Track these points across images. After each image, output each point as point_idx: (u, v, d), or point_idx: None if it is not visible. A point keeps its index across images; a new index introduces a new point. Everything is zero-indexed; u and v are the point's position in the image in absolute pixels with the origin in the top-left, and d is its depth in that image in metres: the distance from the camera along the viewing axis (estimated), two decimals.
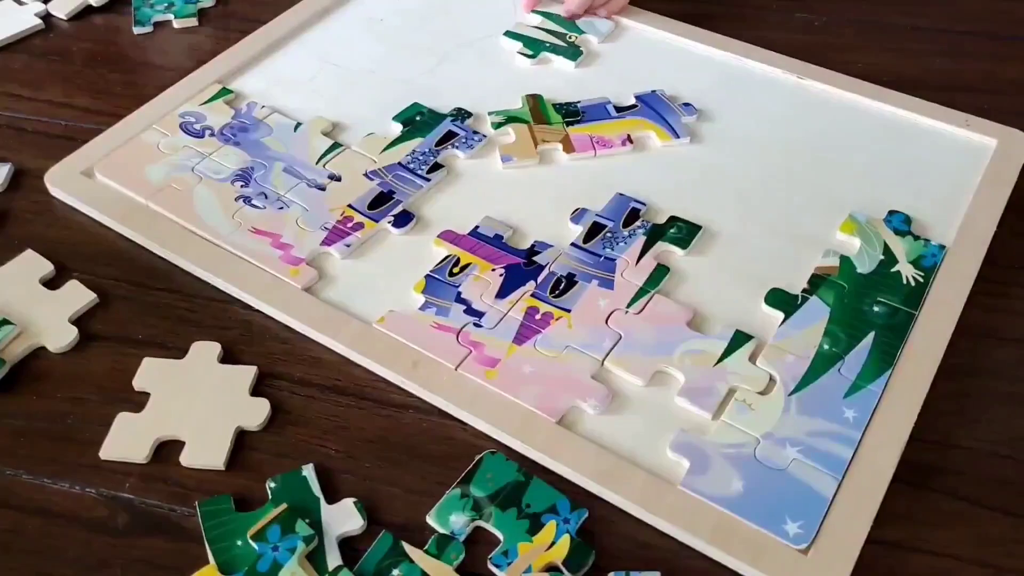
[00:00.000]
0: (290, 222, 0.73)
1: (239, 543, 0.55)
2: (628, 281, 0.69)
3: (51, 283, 0.69)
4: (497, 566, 0.54)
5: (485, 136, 0.81)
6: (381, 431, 0.62)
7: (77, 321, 0.67)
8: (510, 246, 0.72)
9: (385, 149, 0.79)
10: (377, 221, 0.73)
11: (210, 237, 0.72)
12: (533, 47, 0.90)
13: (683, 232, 0.73)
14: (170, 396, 0.63)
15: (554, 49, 0.90)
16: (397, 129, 0.81)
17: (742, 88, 0.87)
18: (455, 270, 0.70)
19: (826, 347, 0.65)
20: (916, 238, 0.72)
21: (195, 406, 0.62)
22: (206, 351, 0.65)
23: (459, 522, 0.56)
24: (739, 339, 0.65)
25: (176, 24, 0.94)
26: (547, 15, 0.94)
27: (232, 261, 0.70)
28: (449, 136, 0.81)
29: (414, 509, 0.57)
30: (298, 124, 0.81)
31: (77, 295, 0.68)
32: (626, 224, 0.74)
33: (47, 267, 0.70)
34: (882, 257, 0.71)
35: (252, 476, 0.59)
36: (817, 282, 0.69)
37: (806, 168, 0.79)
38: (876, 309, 0.67)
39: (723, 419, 0.61)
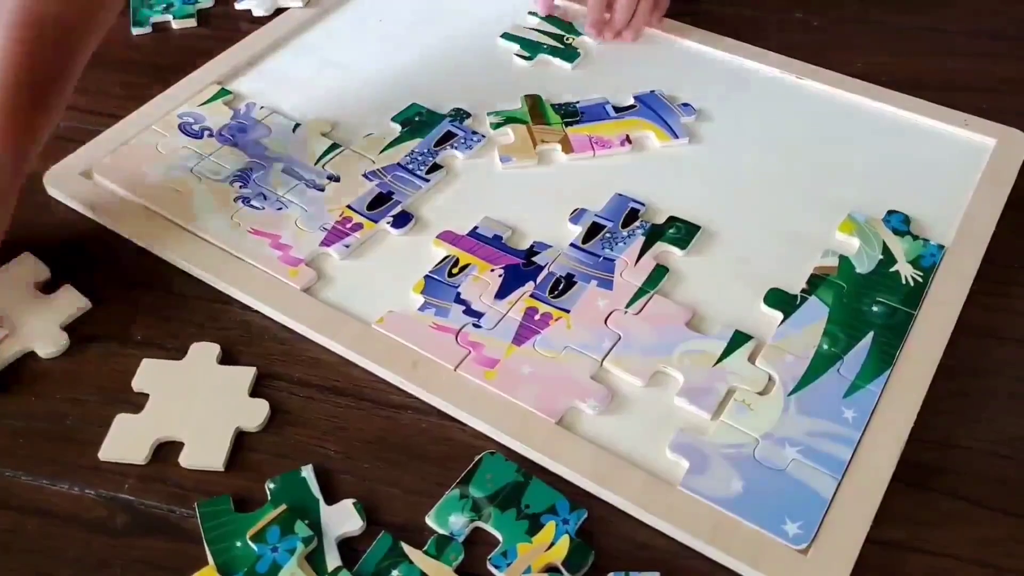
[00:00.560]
0: (289, 223, 0.73)
1: (238, 544, 0.55)
2: (627, 281, 0.69)
3: (47, 287, 0.69)
4: (496, 567, 0.54)
5: (484, 136, 0.81)
6: (380, 432, 0.62)
7: (72, 324, 0.67)
8: (509, 246, 0.72)
9: (384, 150, 0.79)
10: (376, 222, 0.73)
11: (209, 238, 0.72)
12: (530, 49, 0.90)
13: (682, 232, 0.73)
14: (169, 397, 0.62)
15: (551, 51, 0.90)
16: (396, 130, 0.81)
17: (741, 88, 0.87)
18: (454, 271, 0.70)
19: (825, 347, 0.65)
20: (915, 238, 0.72)
21: (194, 407, 0.62)
22: (205, 352, 0.65)
23: (458, 523, 0.56)
24: (738, 339, 0.65)
25: (175, 25, 0.94)
26: (545, 17, 0.94)
27: (231, 262, 0.70)
28: (448, 136, 0.81)
29: (413, 510, 0.57)
30: (297, 125, 0.81)
31: (70, 301, 0.68)
32: (625, 224, 0.74)
33: (43, 271, 0.70)
34: (881, 257, 0.71)
35: (251, 477, 0.59)
36: (816, 282, 0.69)
37: (805, 168, 0.79)
38: (875, 309, 0.67)
39: (722, 419, 0.61)
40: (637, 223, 0.74)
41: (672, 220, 0.74)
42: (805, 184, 0.78)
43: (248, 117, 0.82)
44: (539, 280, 0.69)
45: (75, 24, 0.68)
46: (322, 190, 0.76)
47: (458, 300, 0.68)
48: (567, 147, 0.80)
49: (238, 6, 0.95)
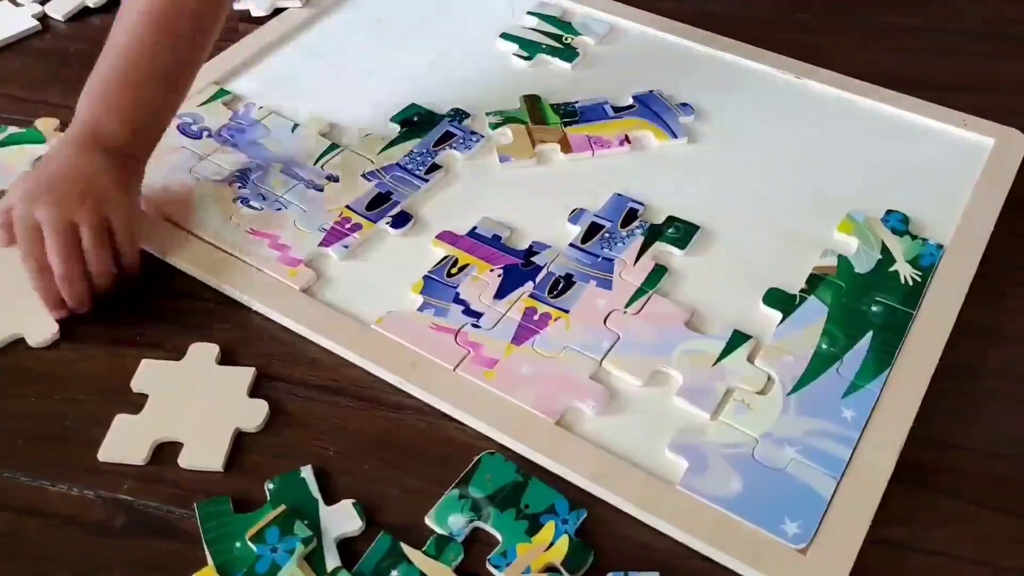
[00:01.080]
0: (288, 223, 0.73)
1: (238, 544, 0.55)
2: (626, 281, 0.69)
3: None
4: (496, 567, 0.54)
5: (483, 136, 0.81)
6: (379, 432, 0.62)
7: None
8: (508, 246, 0.72)
9: (383, 150, 0.79)
10: (375, 222, 0.73)
11: (208, 238, 0.72)
12: (529, 49, 0.90)
13: (681, 232, 0.73)
14: (168, 398, 0.62)
15: (550, 51, 0.90)
16: (395, 130, 0.81)
17: (739, 88, 0.87)
18: (453, 271, 0.70)
19: (824, 347, 0.65)
20: (914, 237, 0.72)
21: (193, 408, 0.62)
22: (204, 352, 0.65)
23: (458, 523, 0.56)
24: (737, 339, 0.65)
25: None
26: (543, 17, 0.94)
27: (230, 262, 0.70)
28: (447, 137, 0.81)
29: (413, 510, 0.57)
30: (296, 125, 0.81)
31: None
32: (624, 224, 0.74)
33: None
34: (880, 257, 0.71)
35: (250, 477, 0.59)
36: (815, 282, 0.69)
37: (804, 168, 0.79)
38: (874, 309, 0.67)
39: (721, 419, 0.61)
40: (636, 223, 0.74)
41: (671, 220, 0.74)
42: (804, 184, 0.78)
43: (247, 117, 0.82)
44: (538, 280, 0.69)
45: (209, 19, 0.72)
46: (321, 190, 0.76)
47: (457, 300, 0.68)
48: (566, 147, 0.80)
49: (236, 6, 0.95)
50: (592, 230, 0.73)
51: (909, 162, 0.79)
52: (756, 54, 0.89)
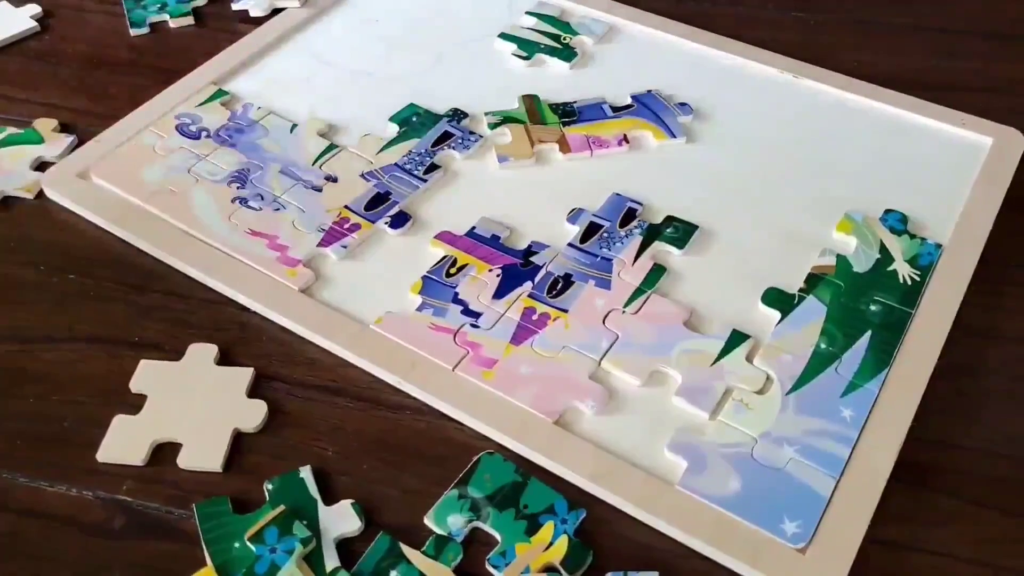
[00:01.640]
0: (286, 223, 0.73)
1: (237, 545, 0.55)
2: (625, 281, 0.69)
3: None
4: (495, 567, 0.54)
5: (481, 136, 0.81)
6: (378, 432, 0.62)
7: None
8: (507, 246, 0.72)
9: (381, 150, 0.79)
10: (374, 222, 0.73)
11: (206, 239, 0.71)
12: (527, 49, 0.90)
13: (679, 232, 0.73)
14: (167, 398, 0.62)
15: (549, 51, 0.90)
16: (393, 130, 0.81)
17: (738, 87, 0.87)
18: (452, 271, 0.70)
19: (823, 346, 0.65)
20: (912, 237, 0.73)
21: (192, 408, 0.62)
22: (203, 353, 0.65)
23: (457, 523, 0.56)
24: (736, 339, 0.66)
25: (172, 24, 0.94)
26: (541, 16, 0.94)
27: (229, 263, 0.70)
28: (445, 137, 0.81)
29: (412, 510, 0.57)
30: (294, 125, 0.81)
31: None
32: (623, 224, 0.74)
33: None
34: (878, 256, 0.71)
35: (249, 478, 0.59)
36: (814, 281, 0.69)
37: (802, 167, 0.79)
38: (873, 308, 0.67)
39: (720, 419, 0.61)
40: (635, 223, 0.74)
41: (670, 219, 0.74)
42: (802, 183, 0.78)
43: (245, 118, 0.82)
44: (537, 280, 0.69)
45: None
46: (320, 190, 0.76)
47: (456, 300, 0.68)
48: (564, 147, 0.80)
49: (235, 6, 0.95)
50: (591, 230, 0.73)
51: (908, 161, 0.79)
52: (755, 53, 0.89)
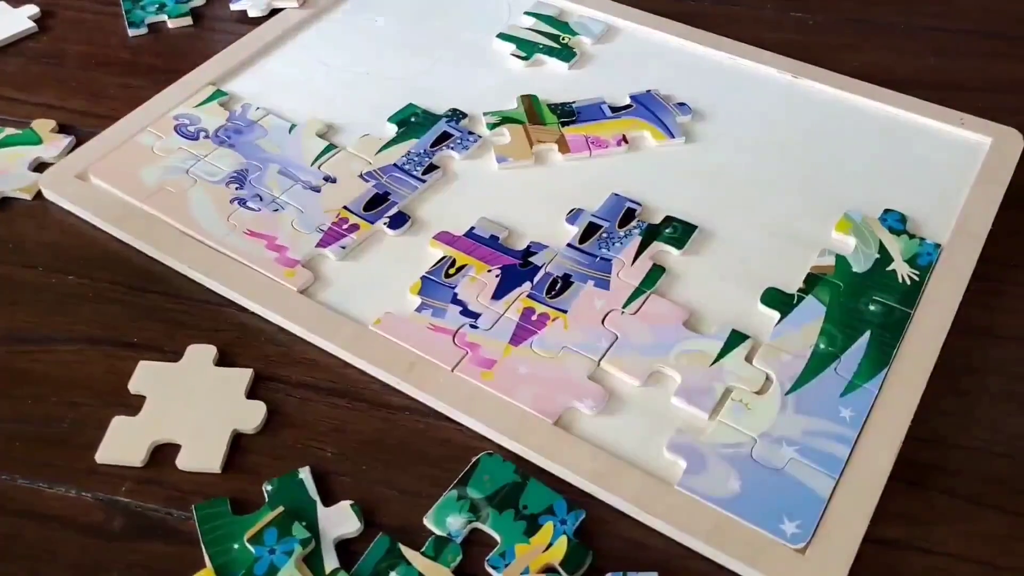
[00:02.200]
0: (285, 224, 0.73)
1: (236, 546, 0.55)
2: (624, 281, 0.69)
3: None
4: (494, 568, 0.54)
5: (480, 137, 0.81)
6: (377, 433, 0.62)
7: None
8: (506, 247, 0.72)
9: (380, 150, 0.79)
10: (372, 223, 0.73)
11: (205, 239, 0.71)
12: (526, 49, 0.90)
13: (678, 232, 0.73)
14: (166, 399, 0.62)
15: (547, 51, 0.90)
16: (392, 130, 0.81)
17: (737, 87, 0.87)
18: (451, 271, 0.70)
19: (822, 346, 0.65)
20: (911, 236, 0.73)
21: (191, 409, 0.62)
22: (202, 354, 0.65)
23: (456, 524, 0.56)
24: (735, 339, 0.65)
25: (171, 24, 0.94)
26: (540, 17, 0.94)
27: (227, 263, 0.70)
28: (444, 137, 0.81)
29: (411, 511, 0.57)
30: (293, 126, 0.81)
31: None
32: (622, 224, 0.74)
33: None
34: (878, 256, 0.71)
35: (248, 479, 0.59)
36: (813, 281, 0.69)
37: (801, 167, 0.79)
38: (872, 308, 0.67)
39: (719, 419, 0.61)
40: (634, 223, 0.74)
41: (669, 220, 0.74)
42: (801, 183, 0.78)
43: (244, 118, 0.82)
44: (536, 280, 0.69)
45: None
46: (318, 191, 0.76)
47: (455, 301, 0.68)
48: (563, 147, 0.80)
49: (233, 7, 0.95)
50: (590, 230, 0.73)
51: (907, 161, 0.79)
52: (754, 53, 0.89)
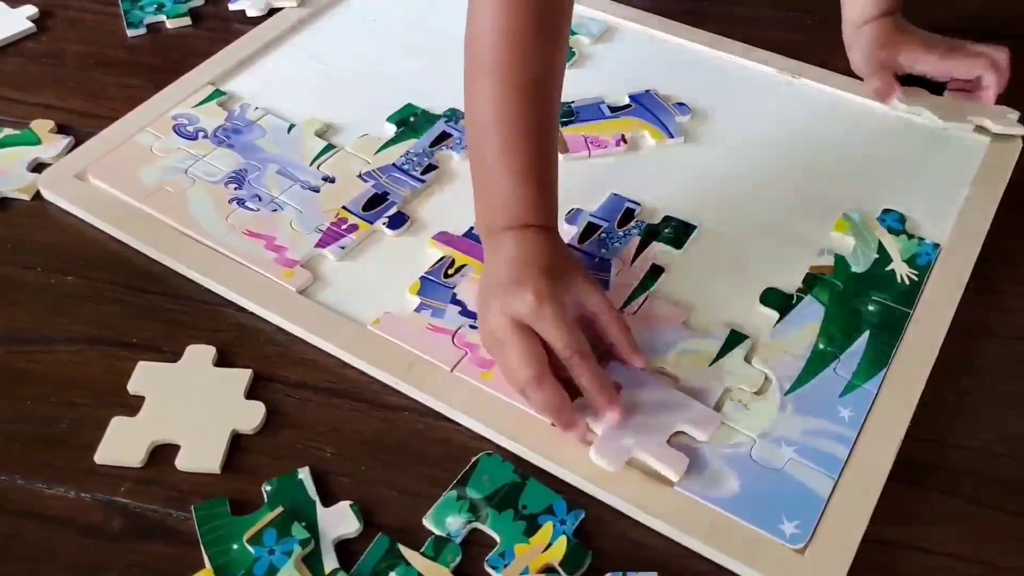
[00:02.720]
0: (284, 224, 0.73)
1: (235, 547, 0.55)
2: (623, 282, 0.69)
3: None
4: (494, 568, 0.54)
5: None
6: (377, 433, 0.62)
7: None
8: None
9: (379, 150, 0.79)
10: (371, 223, 0.73)
11: (204, 240, 0.71)
12: None
13: (678, 232, 0.73)
14: (165, 400, 0.62)
15: None
16: (391, 130, 0.81)
17: (736, 87, 0.87)
18: (450, 271, 0.70)
19: (821, 346, 0.65)
20: (910, 237, 0.73)
21: (190, 409, 0.62)
22: (201, 354, 0.65)
23: (455, 524, 0.56)
24: (734, 339, 0.65)
25: (169, 25, 0.94)
26: None
27: (226, 264, 0.70)
28: (443, 137, 0.81)
29: (410, 511, 0.57)
30: (291, 126, 0.81)
31: None
32: (621, 224, 0.73)
33: None
34: (876, 256, 0.71)
35: (248, 479, 0.59)
36: (812, 281, 0.69)
37: (800, 167, 0.79)
38: (871, 308, 0.67)
39: (719, 419, 0.61)
40: (633, 223, 0.74)
41: (668, 220, 0.74)
42: (800, 183, 0.78)
43: (242, 118, 0.82)
44: None
45: (555, 84, 0.67)
46: (317, 191, 0.76)
47: (454, 301, 0.68)
48: (563, 147, 0.80)
49: (232, 6, 0.95)
50: (589, 230, 0.73)
51: (905, 161, 0.79)
52: (754, 53, 0.89)
